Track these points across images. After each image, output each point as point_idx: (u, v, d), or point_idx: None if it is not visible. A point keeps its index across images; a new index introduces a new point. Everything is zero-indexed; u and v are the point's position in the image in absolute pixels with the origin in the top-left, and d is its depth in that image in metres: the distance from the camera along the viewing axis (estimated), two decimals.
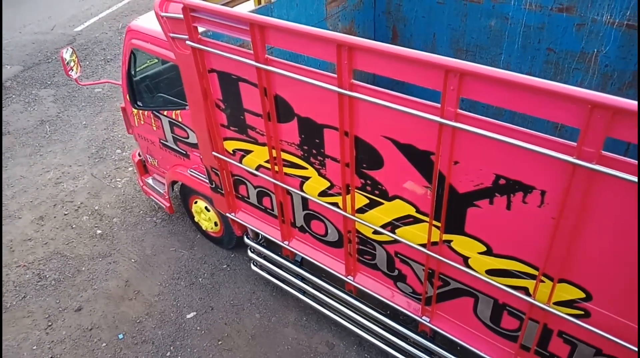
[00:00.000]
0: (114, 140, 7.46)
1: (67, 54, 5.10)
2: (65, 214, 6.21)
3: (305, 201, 3.82)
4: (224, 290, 5.18)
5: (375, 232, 3.42)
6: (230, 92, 3.68)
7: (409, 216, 3.13)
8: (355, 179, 3.27)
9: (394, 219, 3.24)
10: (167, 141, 5.11)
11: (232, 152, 4.08)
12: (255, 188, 4.17)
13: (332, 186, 3.49)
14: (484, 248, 2.88)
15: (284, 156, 3.66)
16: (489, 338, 3.26)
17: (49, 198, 6.47)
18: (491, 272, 2.93)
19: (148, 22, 4.68)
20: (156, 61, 5.21)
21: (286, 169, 3.73)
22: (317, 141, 3.34)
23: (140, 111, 5.16)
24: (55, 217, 6.18)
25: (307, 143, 3.42)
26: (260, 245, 4.79)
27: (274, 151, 3.69)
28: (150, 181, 5.86)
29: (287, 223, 4.11)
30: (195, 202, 5.44)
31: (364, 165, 3.16)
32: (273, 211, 4.18)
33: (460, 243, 2.96)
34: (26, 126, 7.83)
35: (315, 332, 4.73)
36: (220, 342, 4.68)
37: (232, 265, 5.44)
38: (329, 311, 4.56)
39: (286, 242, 4.23)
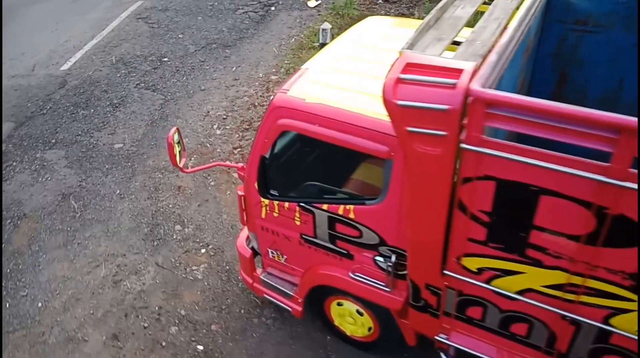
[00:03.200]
0: (167, 213, 6.09)
1: (175, 137, 3.83)
2: (145, 328, 4.85)
3: (604, 334, 2.88)
4: None
5: None
6: (514, 205, 2.68)
7: None
8: None
9: None
10: (315, 238, 3.97)
11: (475, 270, 3.07)
12: (502, 312, 3.18)
13: None
14: None
15: (590, 283, 2.71)
16: None
17: (114, 306, 5.07)
18: None
19: (306, 95, 3.52)
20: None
21: (587, 298, 2.78)
22: None
23: (275, 202, 3.98)
24: (133, 333, 4.81)
25: None
26: None
27: (576, 278, 2.72)
28: (265, 277, 4.64)
29: (553, 355, 3.15)
30: (340, 304, 4.33)
31: None
32: (528, 339, 3.21)
33: None
34: (45, 203, 6.25)
35: None
36: None
37: None
38: None
39: None
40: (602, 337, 2.90)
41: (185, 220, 6.01)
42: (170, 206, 6.20)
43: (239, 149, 6.97)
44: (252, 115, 7.62)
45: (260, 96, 8.02)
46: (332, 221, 3.76)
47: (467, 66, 2.69)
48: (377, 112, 3.32)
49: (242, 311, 5.01)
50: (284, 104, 3.54)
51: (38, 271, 5.45)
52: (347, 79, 3.67)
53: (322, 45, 7.78)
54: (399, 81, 2.70)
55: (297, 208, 3.89)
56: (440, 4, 3.41)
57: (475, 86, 2.43)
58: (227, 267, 5.45)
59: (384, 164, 3.32)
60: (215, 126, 7.44)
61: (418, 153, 2.79)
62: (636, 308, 2.67)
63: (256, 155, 3.86)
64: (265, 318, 4.93)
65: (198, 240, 5.76)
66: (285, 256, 4.36)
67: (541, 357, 3.24)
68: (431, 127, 2.68)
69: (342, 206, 3.65)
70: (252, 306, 5.04)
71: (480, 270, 3.06)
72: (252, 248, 4.63)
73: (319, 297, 4.43)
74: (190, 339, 4.76)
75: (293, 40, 9.40)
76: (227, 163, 4.42)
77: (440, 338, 3.56)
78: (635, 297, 2.63)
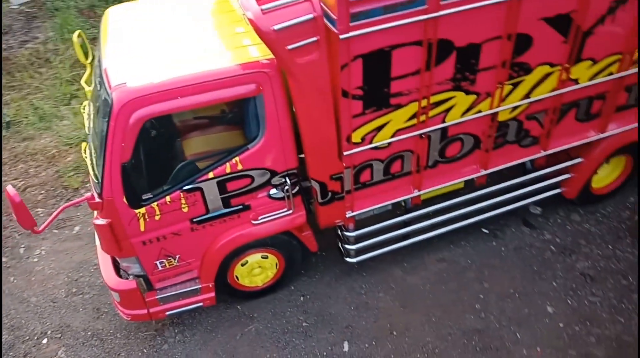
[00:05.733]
0: None
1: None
2: None
3: (444, 133, 4.16)
4: (335, 309, 4.78)
5: (514, 110, 4.23)
6: (377, 70, 3.58)
7: (546, 74, 4.10)
8: (504, 73, 3.94)
9: (532, 86, 4.12)
10: (207, 213, 4.00)
11: (360, 140, 3.90)
12: (383, 161, 4.14)
13: (478, 97, 4.03)
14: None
15: (432, 99, 3.87)
16: None
17: None
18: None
19: (147, 79, 3.43)
20: None
21: (432, 112, 3.96)
22: (473, 61, 3.79)
23: (154, 204, 3.78)
24: None
25: (461, 69, 3.79)
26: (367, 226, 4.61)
27: (423, 101, 3.85)
28: (162, 293, 4.33)
29: (420, 170, 4.31)
30: (244, 263, 4.51)
31: (514, 55, 3.87)
32: (403, 171, 4.27)
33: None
34: None
35: (424, 263, 5.09)
36: None
37: (303, 290, 4.92)
38: (428, 234, 4.92)
39: (416, 190, 4.43)
40: (443, 135, 4.19)
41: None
42: None
43: None
44: None
45: None
46: (222, 183, 3.89)
47: None
48: (220, 63, 3.62)
49: (145, 350, 4.55)
50: (134, 95, 3.37)
51: None
52: (157, 54, 3.72)
53: None
54: (264, 12, 3.14)
55: (182, 194, 3.83)
56: None
57: None
58: (89, 333, 4.72)
59: (255, 102, 3.66)
60: None
61: (300, 64, 3.32)
62: (457, 102, 3.99)
63: (113, 168, 3.56)
64: (173, 338, 4.64)
65: (27, 338, 4.69)
66: (178, 256, 4.20)
67: (411, 179, 4.39)
68: (305, 38, 3.24)
69: (227, 164, 3.82)
70: (150, 339, 4.63)
71: (363, 138, 3.90)
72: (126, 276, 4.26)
73: (221, 273, 4.47)
74: None
75: None
76: (75, 200, 3.72)
77: (348, 214, 4.32)
78: (455, 94, 3.93)
